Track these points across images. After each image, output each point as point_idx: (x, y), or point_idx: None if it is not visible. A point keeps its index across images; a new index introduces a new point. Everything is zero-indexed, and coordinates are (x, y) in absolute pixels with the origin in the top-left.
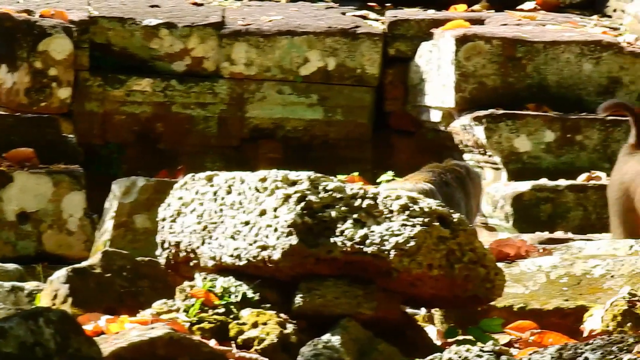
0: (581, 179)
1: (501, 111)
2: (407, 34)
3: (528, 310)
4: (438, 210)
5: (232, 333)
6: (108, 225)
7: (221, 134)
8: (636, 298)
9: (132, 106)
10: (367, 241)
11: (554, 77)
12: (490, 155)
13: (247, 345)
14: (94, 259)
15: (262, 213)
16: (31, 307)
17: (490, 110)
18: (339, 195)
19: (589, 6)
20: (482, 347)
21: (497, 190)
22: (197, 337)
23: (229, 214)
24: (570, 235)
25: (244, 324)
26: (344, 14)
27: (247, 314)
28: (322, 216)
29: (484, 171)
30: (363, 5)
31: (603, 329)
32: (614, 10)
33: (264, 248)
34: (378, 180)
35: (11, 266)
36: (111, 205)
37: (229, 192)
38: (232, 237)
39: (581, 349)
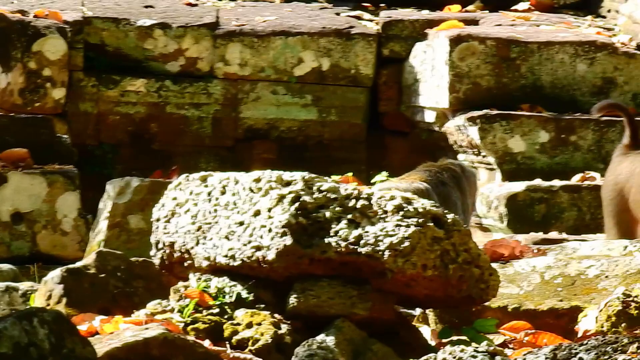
0: (575, 179)
1: (495, 112)
2: (401, 35)
3: (522, 311)
4: (432, 211)
5: (226, 333)
6: (102, 225)
7: (215, 134)
8: (630, 298)
9: (126, 106)
10: (362, 241)
11: (548, 77)
12: (484, 156)
13: (241, 345)
14: (88, 259)
15: (257, 213)
16: (25, 307)
17: (484, 111)
18: (333, 196)
19: (583, 7)
20: (477, 347)
21: (491, 190)
22: (191, 338)
23: (223, 215)
24: (564, 235)
25: (238, 324)
26: (338, 14)
27: (241, 315)
28: (317, 216)
29: (478, 172)
30: (357, 5)
31: (597, 330)
32: (608, 11)
33: (258, 248)
34: (372, 181)
35: (5, 266)
36: (105, 205)
37: (223, 193)
38: (227, 238)
39: (575, 349)
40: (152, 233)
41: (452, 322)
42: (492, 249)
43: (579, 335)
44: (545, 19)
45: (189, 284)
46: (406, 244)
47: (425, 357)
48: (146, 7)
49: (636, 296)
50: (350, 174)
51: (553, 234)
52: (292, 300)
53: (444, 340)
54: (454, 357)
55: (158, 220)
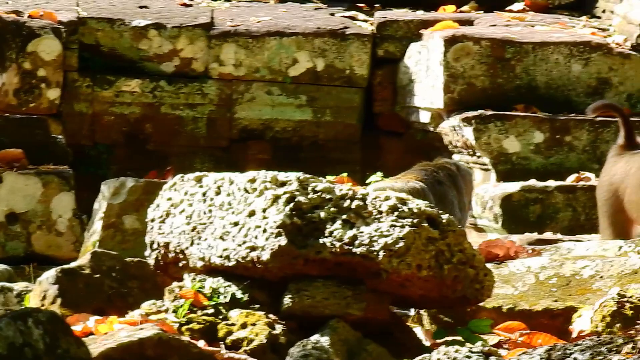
0: (570, 179)
1: (490, 112)
2: (396, 35)
3: (517, 311)
4: (427, 211)
5: (221, 334)
6: (97, 225)
7: (210, 134)
8: (625, 299)
9: (121, 107)
10: (356, 242)
11: (543, 78)
12: (479, 156)
13: (236, 345)
14: (83, 259)
15: (251, 214)
16: (20, 307)
17: (479, 111)
18: (328, 196)
19: (578, 7)
20: (471, 347)
21: (486, 191)
22: (186, 338)
23: (218, 215)
24: (559, 236)
25: (233, 324)
26: (332, 14)
27: (236, 315)
28: (311, 217)
29: (473, 172)
30: (352, 6)
31: (592, 330)
32: (603, 11)
33: (253, 249)
34: (367, 181)
35: (0, 267)
36: (100, 206)
37: (218, 193)
38: (221, 238)
39: (570, 349)
40: (146, 233)
41: (447, 323)
42: (487, 249)
43: (573, 335)
44: (540, 20)
45: (183, 284)
46: (401, 244)
47: (419, 357)
48: (141, 7)
49: (631, 296)
50: (345, 174)
51: (548, 235)
52: (287, 300)
53: (438, 341)
54: (449, 358)
55: (153, 220)
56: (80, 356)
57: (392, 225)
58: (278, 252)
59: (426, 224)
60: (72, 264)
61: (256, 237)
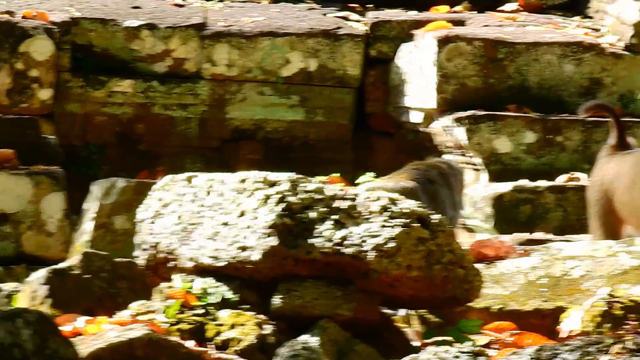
0: (561, 180)
1: (482, 112)
2: (388, 35)
3: (506, 311)
4: (417, 212)
5: (210, 334)
6: (88, 226)
7: (202, 135)
8: (615, 299)
9: (113, 107)
10: (346, 242)
11: (535, 78)
12: (470, 157)
13: (225, 346)
14: (73, 260)
15: (242, 214)
16: (9, 308)
17: (471, 112)
18: (318, 197)
19: (571, 7)
20: (460, 347)
21: (477, 191)
22: (175, 338)
23: (209, 215)
24: (549, 236)
25: (222, 324)
26: (325, 15)
27: (225, 315)
28: (302, 217)
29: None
30: (345, 6)
31: (582, 330)
32: (596, 12)
33: (243, 249)
34: (357, 182)
35: None
36: (91, 206)
37: (208, 193)
38: (212, 238)
39: (559, 349)
40: (136, 234)
41: (436, 323)
42: (477, 249)
43: (563, 335)
44: (532, 20)
45: (173, 284)
46: (391, 244)
47: (408, 357)
48: (134, 7)
49: (620, 297)
50: (336, 174)
51: (538, 235)
52: (277, 300)
53: (427, 341)
54: (438, 358)
55: (143, 221)
56: (69, 356)
57: (382, 226)
58: (268, 252)
59: (417, 224)
60: (62, 265)
61: (246, 238)
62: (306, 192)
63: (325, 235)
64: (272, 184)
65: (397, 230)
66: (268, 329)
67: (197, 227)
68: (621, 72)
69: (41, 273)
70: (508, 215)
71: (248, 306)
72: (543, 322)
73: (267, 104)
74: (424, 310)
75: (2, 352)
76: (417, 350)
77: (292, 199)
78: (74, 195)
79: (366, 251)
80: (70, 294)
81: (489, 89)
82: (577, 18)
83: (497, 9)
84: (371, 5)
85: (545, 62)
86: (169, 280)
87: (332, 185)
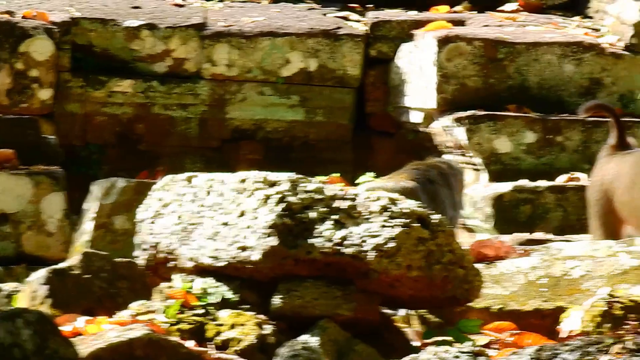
0: (561, 180)
1: (482, 112)
2: (388, 35)
3: (506, 311)
4: (417, 212)
5: (210, 334)
6: (88, 226)
7: (202, 135)
8: (615, 299)
9: (113, 107)
10: (346, 242)
11: (535, 78)
12: (470, 157)
13: (225, 346)
14: (73, 260)
15: (242, 214)
16: (9, 308)
17: (471, 112)
18: (318, 197)
19: (571, 7)
20: (460, 347)
21: (477, 191)
22: (175, 338)
23: (209, 215)
24: (549, 236)
25: (222, 324)
26: (325, 15)
27: (225, 315)
28: (302, 217)
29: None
30: (345, 6)
31: (582, 330)
32: (596, 12)
33: (243, 249)
34: (357, 182)
35: None
36: (91, 206)
37: (208, 193)
38: (212, 238)
39: (559, 349)
40: (136, 234)
41: (436, 323)
42: (477, 249)
43: (563, 335)
44: (532, 20)
45: (173, 284)
46: (391, 244)
47: (408, 357)
48: (134, 7)
49: (620, 297)
50: (336, 174)
51: (538, 235)
52: (277, 300)
53: (427, 341)
54: (438, 358)
55: (143, 221)
56: (69, 356)
57: (382, 226)
58: (268, 252)
59: (417, 224)
60: (62, 265)
61: (246, 238)
62: (306, 192)
63: (325, 235)
64: (272, 184)
65: (397, 230)
66: (268, 329)
67: (197, 227)
68: (621, 72)
69: (41, 273)
70: (508, 215)
71: (248, 306)
72: (543, 322)
73: (267, 104)
74: (424, 310)
75: (2, 352)
76: (417, 350)
77: (292, 199)
78: (74, 195)
79: (366, 251)
80: (70, 294)
81: (489, 89)
82: (577, 18)
83: (497, 9)
84: (371, 5)
85: (545, 62)
86: (169, 280)
87: (332, 185)
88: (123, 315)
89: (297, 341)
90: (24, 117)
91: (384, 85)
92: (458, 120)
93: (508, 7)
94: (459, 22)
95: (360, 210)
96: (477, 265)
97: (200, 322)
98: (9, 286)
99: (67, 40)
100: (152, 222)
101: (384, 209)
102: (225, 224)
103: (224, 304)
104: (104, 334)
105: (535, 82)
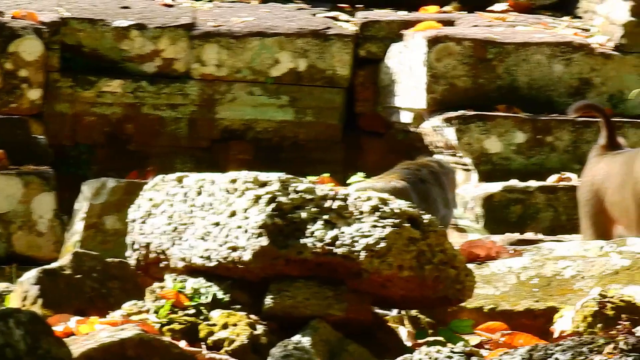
0: (551, 180)
1: (472, 112)
2: (378, 35)
3: (498, 312)
4: (408, 212)
5: (202, 334)
6: (78, 226)
7: (191, 135)
8: (606, 299)
9: (103, 107)
10: (338, 242)
11: (525, 78)
12: (460, 157)
13: (217, 346)
14: (64, 260)
15: (233, 214)
16: (1, 308)
17: (460, 112)
18: (309, 197)
19: (560, 7)
20: (453, 348)
21: (468, 191)
22: (167, 338)
23: (199, 215)
24: (540, 236)
25: (214, 325)
26: (314, 15)
27: (217, 315)
28: (293, 217)
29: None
30: (334, 6)
31: (573, 330)
32: (585, 12)
33: (234, 249)
34: (348, 182)
35: None
36: (81, 206)
37: (199, 194)
38: (202, 238)
39: (551, 349)
40: (127, 234)
41: (429, 323)
42: (468, 249)
43: (555, 335)
44: (522, 20)
45: (164, 284)
46: (382, 244)
47: (401, 357)
48: (123, 7)
49: (612, 297)
50: (326, 174)
51: (529, 235)
52: (268, 301)
53: (420, 341)
54: (430, 358)
55: (134, 221)
56: (61, 357)
57: (373, 226)
58: (259, 252)
59: (407, 224)
60: (53, 265)
61: (237, 238)
62: (297, 192)
63: (316, 235)
64: (263, 184)
65: (388, 230)
66: (260, 329)
67: (188, 227)
68: (610, 72)
69: (32, 273)
70: (498, 215)
71: (239, 306)
72: (535, 322)
73: (257, 104)
74: (417, 311)
75: None
76: (409, 350)
77: (282, 199)
78: (64, 196)
79: (357, 251)
80: (61, 294)
81: (478, 89)
82: (566, 18)
83: (487, 9)
84: (360, 6)
85: (535, 62)
86: (161, 280)
87: (322, 185)
88: (115, 315)
89: (289, 341)
90: (14, 117)
91: (374, 85)
92: (448, 121)
93: (497, 7)
94: (449, 22)
95: (351, 210)
96: (469, 266)
97: (192, 322)
98: (0, 286)
99: (56, 40)
100: (143, 222)
101: (375, 209)
102: (216, 224)
103: (216, 304)
104: (95, 334)
105: (525, 82)
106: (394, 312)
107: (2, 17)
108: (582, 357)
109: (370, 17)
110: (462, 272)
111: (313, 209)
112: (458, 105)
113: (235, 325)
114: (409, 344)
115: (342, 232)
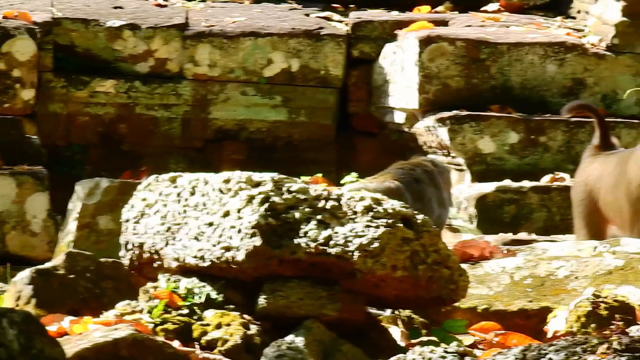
0: (545, 180)
1: (465, 113)
2: (370, 35)
3: (492, 312)
4: (402, 212)
5: (195, 334)
6: (72, 226)
7: (185, 135)
8: (600, 299)
9: (96, 107)
10: (331, 242)
11: (518, 78)
12: (453, 157)
13: (210, 346)
14: (58, 260)
15: (226, 214)
16: None
17: (454, 112)
18: (302, 197)
19: (553, 8)
20: (446, 348)
21: (461, 191)
22: (160, 338)
23: (193, 215)
24: (534, 236)
25: (207, 325)
26: (307, 15)
27: (210, 315)
28: (286, 217)
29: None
30: (327, 6)
31: (567, 330)
32: (578, 12)
33: (227, 249)
34: (342, 182)
35: None
36: (75, 206)
37: (192, 194)
38: (196, 238)
39: (545, 349)
40: (121, 234)
41: (423, 323)
42: (461, 249)
43: (548, 335)
44: (515, 20)
45: (158, 284)
46: (376, 244)
47: (394, 357)
48: (115, 8)
49: (605, 297)
50: (319, 174)
51: (522, 235)
52: (262, 301)
53: (413, 341)
54: (424, 358)
55: (127, 221)
56: (55, 357)
57: (367, 226)
58: (253, 252)
59: (401, 225)
60: (47, 265)
61: (231, 238)
62: (290, 192)
63: (309, 235)
64: (256, 184)
65: (381, 230)
66: (253, 329)
67: (181, 227)
68: (604, 72)
69: (26, 273)
70: (492, 215)
71: (233, 306)
72: (528, 322)
73: (250, 104)
74: (410, 311)
75: None
76: (403, 350)
77: (276, 199)
78: (57, 196)
79: (351, 251)
80: (55, 294)
81: (471, 89)
82: (559, 18)
83: (479, 9)
84: (353, 6)
85: (528, 62)
86: (154, 280)
87: (316, 186)
88: (108, 315)
89: (283, 341)
90: (7, 117)
91: (366, 85)
92: (441, 121)
93: (490, 7)
94: (442, 23)
95: (345, 210)
96: (462, 266)
97: (186, 322)
98: None
99: (49, 40)
100: (137, 222)
101: (368, 209)
102: (210, 224)
103: (209, 304)
104: (89, 334)
105: (518, 82)
106: (388, 312)
107: None
108: (575, 357)
109: (363, 17)
110: (455, 272)
111: (306, 209)
112: (451, 106)
113: (228, 325)
114: (402, 344)
115: (336, 232)
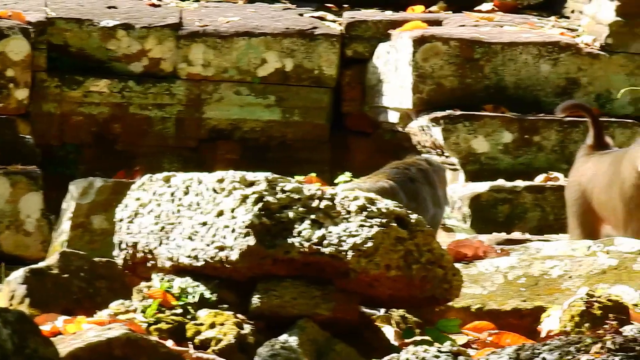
0: (539, 179)
1: (459, 112)
2: (364, 35)
3: (486, 311)
4: (396, 211)
5: (189, 333)
6: (65, 225)
7: (179, 134)
8: (594, 299)
9: (90, 107)
10: (325, 242)
11: (512, 78)
12: (447, 156)
13: (204, 345)
14: (52, 259)
15: (220, 214)
16: None
17: (447, 112)
18: (296, 196)
19: (547, 7)
20: (440, 347)
21: (455, 191)
22: (154, 338)
23: (187, 215)
24: (527, 236)
25: (201, 324)
26: (301, 15)
27: (204, 315)
28: (280, 217)
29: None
30: (320, 6)
31: (561, 330)
32: (572, 12)
33: (221, 249)
34: (335, 181)
35: None
36: (68, 206)
37: (186, 193)
38: (190, 238)
39: (538, 349)
40: (115, 233)
41: (416, 323)
42: (455, 249)
43: (542, 335)
44: (509, 20)
45: (152, 284)
46: (369, 244)
47: (388, 357)
48: (109, 7)
49: (599, 296)
50: (313, 174)
51: (516, 235)
52: (255, 300)
53: (407, 341)
54: (417, 357)
55: (121, 220)
56: (49, 356)
57: (360, 225)
58: (246, 252)
59: (395, 224)
60: (41, 264)
61: (225, 237)
62: (284, 191)
63: (303, 235)
64: (250, 184)
65: (375, 230)
66: (247, 328)
67: (175, 226)
68: (597, 72)
69: (19, 273)
70: (486, 215)
71: (227, 306)
72: (522, 321)
73: (244, 104)
74: (404, 310)
75: None
76: (397, 349)
77: (269, 198)
78: (51, 195)
79: (345, 251)
80: (49, 294)
81: (465, 89)
82: (553, 18)
83: (473, 9)
84: (347, 6)
85: (522, 62)
86: (148, 279)
87: (310, 185)
88: (102, 314)
89: (277, 341)
90: (1, 117)
91: (360, 85)
92: (434, 120)
93: (484, 7)
94: (435, 22)
95: (339, 210)
96: (456, 265)
97: (180, 321)
98: None
99: (42, 40)
100: (131, 222)
101: (362, 208)
102: (204, 223)
103: (203, 303)
104: (82, 333)
105: (512, 82)
106: (382, 311)
107: None
108: (569, 357)
109: (357, 17)
110: (449, 271)
111: (300, 209)
112: (445, 105)
113: (222, 324)
114: (396, 343)
115: (330, 232)
